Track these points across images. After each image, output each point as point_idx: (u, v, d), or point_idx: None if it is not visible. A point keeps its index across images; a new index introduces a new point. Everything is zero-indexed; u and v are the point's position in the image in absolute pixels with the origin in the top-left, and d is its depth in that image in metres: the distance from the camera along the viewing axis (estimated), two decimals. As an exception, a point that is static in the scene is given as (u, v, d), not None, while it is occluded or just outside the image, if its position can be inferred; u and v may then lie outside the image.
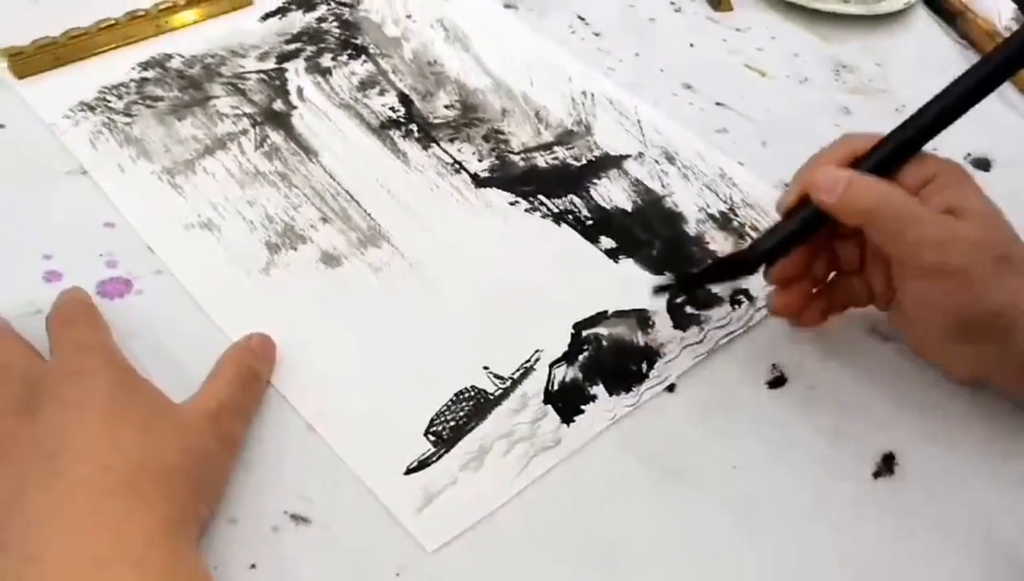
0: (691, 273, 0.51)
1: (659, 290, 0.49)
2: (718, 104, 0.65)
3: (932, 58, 0.73)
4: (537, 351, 0.48)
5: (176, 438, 0.39)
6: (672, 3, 0.75)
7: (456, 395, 0.45)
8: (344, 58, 0.64)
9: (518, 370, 0.47)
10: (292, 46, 0.64)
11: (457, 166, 0.57)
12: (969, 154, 0.64)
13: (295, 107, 0.59)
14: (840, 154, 0.46)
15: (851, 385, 0.48)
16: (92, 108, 0.57)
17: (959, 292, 0.43)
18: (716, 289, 0.52)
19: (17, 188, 0.52)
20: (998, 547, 0.43)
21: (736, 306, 0.51)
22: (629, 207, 0.56)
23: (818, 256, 0.48)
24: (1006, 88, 0.70)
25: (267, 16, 0.66)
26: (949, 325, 0.45)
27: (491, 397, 0.46)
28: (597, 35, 0.70)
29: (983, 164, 0.63)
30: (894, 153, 0.45)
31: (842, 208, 0.44)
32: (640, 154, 0.60)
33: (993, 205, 0.45)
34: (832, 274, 0.49)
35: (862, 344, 0.50)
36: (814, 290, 0.49)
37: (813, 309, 0.49)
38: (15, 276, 0.48)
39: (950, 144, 0.63)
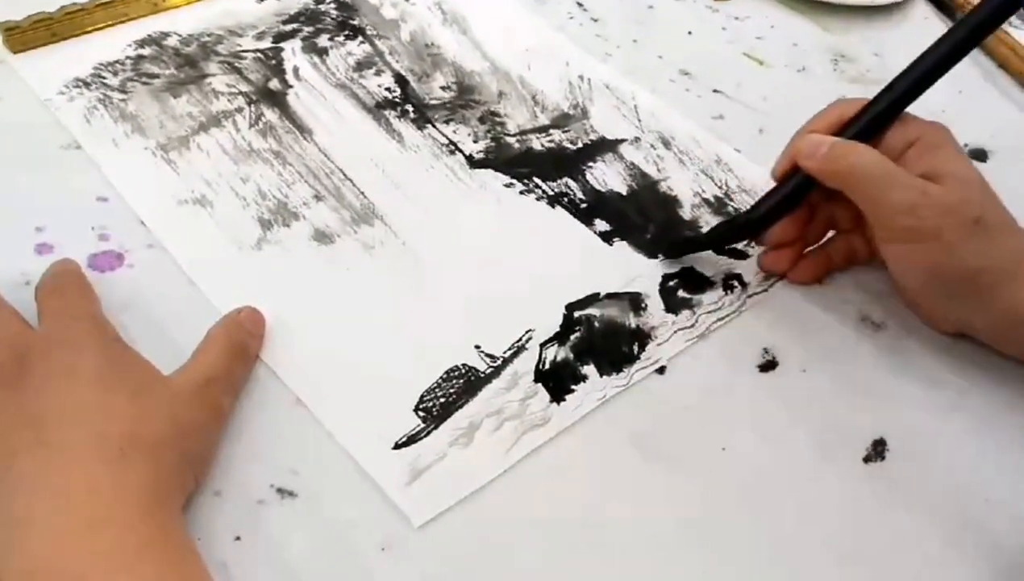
0: (693, 238, 0.53)
1: (668, 253, 0.52)
2: (715, 91, 0.65)
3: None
4: (528, 331, 0.48)
5: (165, 408, 0.39)
6: (672, -10, 0.74)
7: (447, 372, 0.45)
8: (341, 39, 0.64)
9: (509, 349, 0.47)
10: (289, 26, 0.64)
11: (452, 147, 0.57)
12: (966, 145, 0.63)
13: (291, 86, 0.59)
14: (830, 119, 0.48)
15: (842, 371, 0.48)
16: (87, 84, 0.57)
17: (934, 254, 0.45)
18: (709, 273, 0.51)
19: (11, 162, 0.52)
20: (986, 534, 0.43)
21: (729, 291, 0.51)
22: (624, 191, 0.56)
23: (813, 218, 0.51)
24: (1003, 80, 0.70)
25: (265, -4, 0.66)
26: (929, 283, 0.47)
27: (482, 375, 0.45)
28: (595, 21, 0.70)
29: (980, 155, 0.63)
30: (878, 117, 0.47)
31: (822, 171, 0.46)
32: (636, 139, 0.59)
33: (972, 168, 0.46)
34: (830, 233, 0.52)
35: (854, 330, 0.50)
36: (808, 249, 0.52)
37: (806, 266, 0.51)
38: (7, 248, 0.48)
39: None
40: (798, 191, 0.48)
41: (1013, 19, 0.75)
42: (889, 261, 0.48)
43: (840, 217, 0.51)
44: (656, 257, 0.52)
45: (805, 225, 0.50)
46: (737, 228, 0.51)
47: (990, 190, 0.46)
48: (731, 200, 0.56)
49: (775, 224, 0.50)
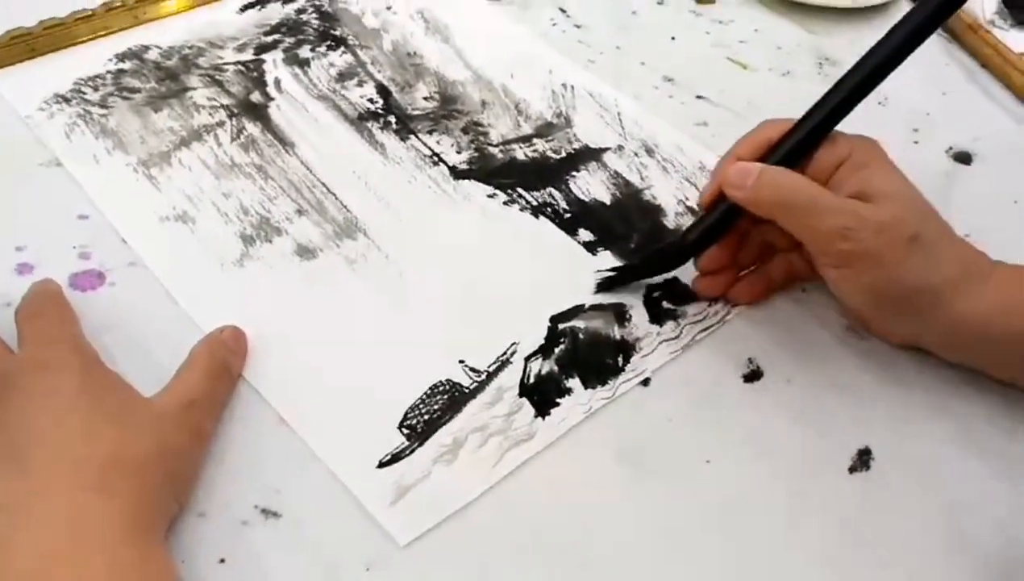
0: (627, 266, 0.51)
1: (600, 288, 0.50)
2: (699, 97, 0.65)
3: (915, 52, 0.72)
4: (513, 344, 0.47)
5: (147, 431, 0.39)
6: (655, -5, 0.74)
7: (431, 388, 0.45)
8: (323, 49, 0.63)
9: (494, 363, 0.47)
10: (270, 37, 0.64)
11: (435, 158, 0.57)
12: (951, 148, 0.63)
13: (272, 99, 0.59)
14: (756, 143, 0.47)
15: (827, 380, 0.48)
16: (67, 100, 0.57)
17: (873, 275, 0.44)
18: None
19: (-10, 180, 0.52)
20: (973, 543, 0.43)
21: (713, 301, 0.51)
22: (608, 200, 0.56)
23: (746, 240, 0.50)
24: (986, 80, 0.70)
25: (246, 7, 0.66)
26: (872, 303, 0.46)
27: (466, 390, 0.45)
28: (578, 27, 0.70)
29: (964, 158, 0.63)
30: (805, 138, 0.46)
31: (752, 203, 0.45)
32: (620, 147, 0.59)
33: (905, 183, 0.46)
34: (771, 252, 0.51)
35: (839, 339, 0.50)
36: (744, 271, 0.51)
37: (745, 286, 0.50)
38: (-14, 268, 0.48)
39: (933, 137, 0.64)
40: (726, 218, 0.48)
41: (996, 19, 0.75)
42: (830, 284, 0.47)
43: (775, 238, 0.50)
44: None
45: (736, 249, 0.50)
46: (668, 256, 0.50)
47: (925, 203, 0.46)
48: (715, 208, 0.56)
49: (705, 251, 0.49)
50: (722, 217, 0.48)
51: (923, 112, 0.66)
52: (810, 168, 0.46)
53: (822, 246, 0.45)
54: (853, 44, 0.72)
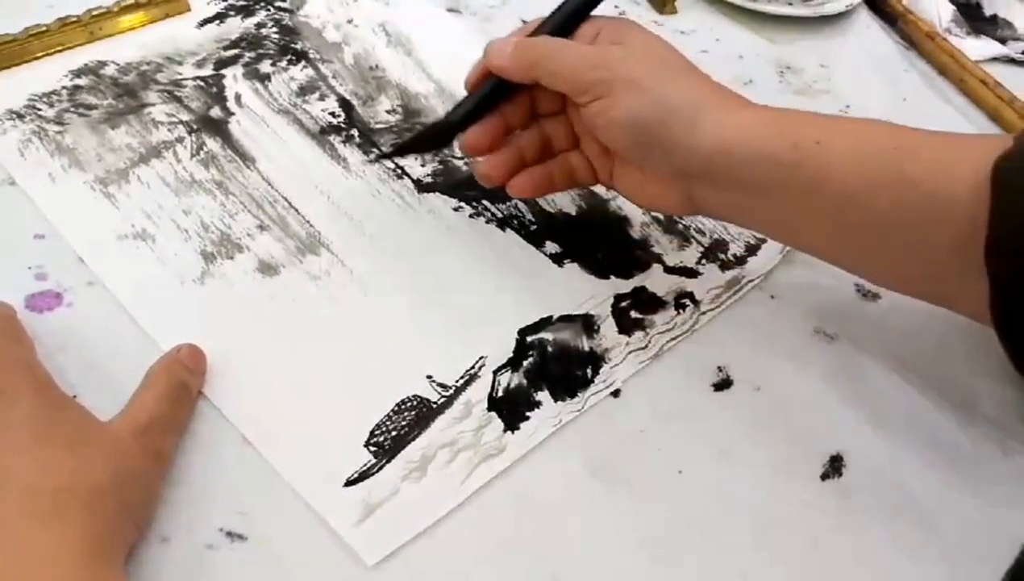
0: (398, 145, 0.56)
1: (378, 158, 0.56)
2: (663, 107, 0.65)
3: (875, 58, 0.73)
4: (481, 358, 0.47)
5: (103, 457, 0.37)
6: (616, 6, 0.74)
7: (398, 404, 0.44)
8: (283, 64, 0.62)
9: (462, 377, 0.46)
10: (230, 52, 0.63)
11: (399, 172, 0.56)
12: (912, 154, 0.64)
13: (233, 114, 0.58)
14: (521, 34, 0.49)
15: (797, 386, 0.48)
16: (21, 116, 0.56)
17: (630, 98, 0.45)
18: (661, 292, 0.51)
19: (-59, 200, 0.51)
20: (945, 548, 0.43)
21: (680, 309, 0.51)
22: (574, 211, 0.56)
23: (516, 128, 0.51)
24: (943, 85, 0.71)
25: (205, 22, 0.65)
26: (634, 136, 0.46)
27: (434, 406, 0.45)
28: (541, 39, 0.69)
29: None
30: (565, 20, 0.48)
31: (512, 66, 0.47)
32: (585, 157, 0.59)
33: (655, 36, 0.47)
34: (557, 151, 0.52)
35: (807, 345, 0.50)
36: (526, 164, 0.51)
37: (525, 179, 0.50)
38: (-62, 291, 0.46)
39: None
40: (491, 95, 0.49)
41: (952, 27, 0.76)
42: (593, 124, 0.47)
43: (556, 136, 0.51)
44: (608, 277, 0.52)
45: (505, 130, 0.50)
46: (437, 132, 0.51)
47: (673, 47, 0.47)
48: (680, 217, 0.56)
49: (471, 128, 0.49)
50: (487, 93, 0.49)
51: (884, 118, 0.66)
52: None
53: (578, 81, 0.46)
54: (814, 52, 0.73)
